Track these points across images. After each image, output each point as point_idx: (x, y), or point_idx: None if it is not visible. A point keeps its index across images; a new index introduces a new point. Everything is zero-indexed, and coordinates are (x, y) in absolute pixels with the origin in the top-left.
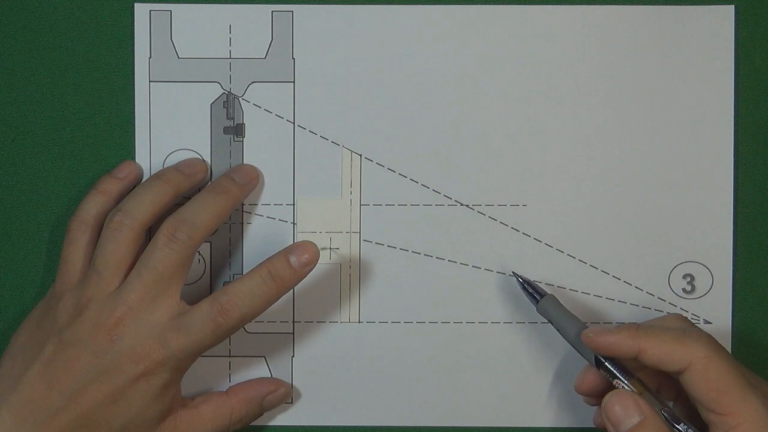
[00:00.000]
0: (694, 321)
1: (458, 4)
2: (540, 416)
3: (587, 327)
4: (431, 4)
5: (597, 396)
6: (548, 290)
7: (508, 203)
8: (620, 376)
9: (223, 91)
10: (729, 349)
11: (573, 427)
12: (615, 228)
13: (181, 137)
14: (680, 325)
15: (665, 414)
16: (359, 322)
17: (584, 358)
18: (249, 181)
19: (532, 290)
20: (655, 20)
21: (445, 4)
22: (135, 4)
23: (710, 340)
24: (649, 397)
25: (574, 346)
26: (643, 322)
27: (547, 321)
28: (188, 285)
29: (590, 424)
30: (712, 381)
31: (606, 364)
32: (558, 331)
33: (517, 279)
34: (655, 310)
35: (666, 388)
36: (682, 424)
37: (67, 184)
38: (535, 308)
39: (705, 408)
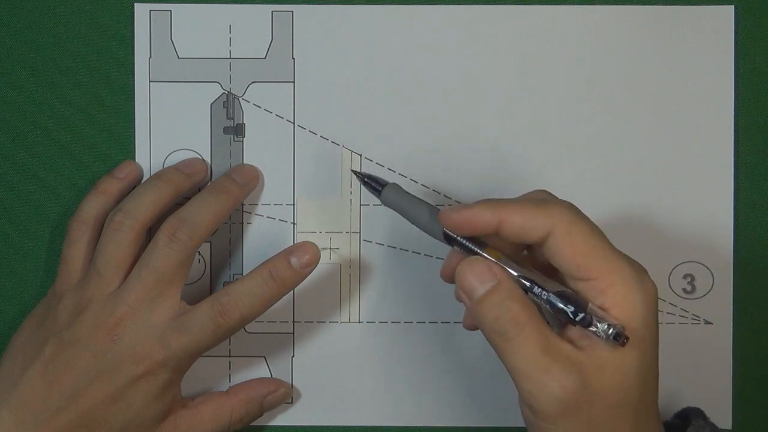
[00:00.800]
0: (694, 321)
1: (458, 4)
2: None
3: (438, 209)
4: (431, 4)
5: None
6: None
7: None
8: (474, 247)
9: (223, 91)
10: (730, 349)
11: None
12: (615, 228)
13: (181, 137)
14: (542, 197)
15: (521, 279)
16: (359, 322)
17: (437, 239)
18: (249, 181)
19: (373, 182)
20: (655, 20)
21: (445, 4)
22: (135, 4)
23: (572, 207)
24: (506, 262)
25: (425, 231)
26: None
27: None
28: (188, 285)
29: None
30: (576, 246)
31: (458, 238)
32: (406, 218)
33: (356, 175)
34: None
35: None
36: (536, 287)
37: (67, 184)
38: (380, 199)
39: (572, 276)
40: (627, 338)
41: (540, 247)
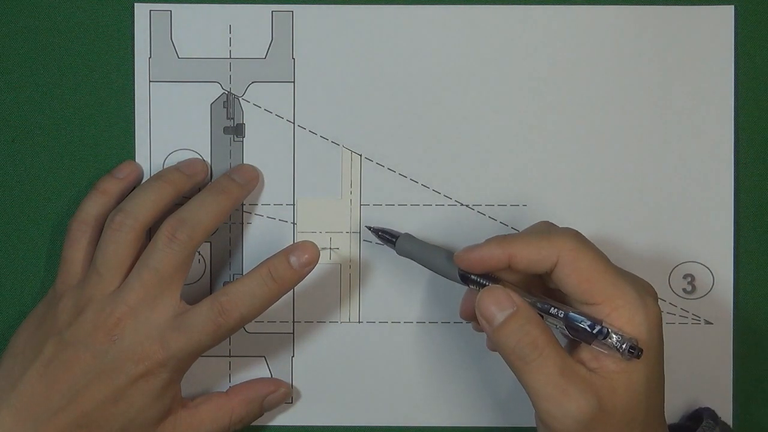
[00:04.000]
0: (694, 321)
1: (458, 4)
2: None
3: (452, 252)
4: (431, 4)
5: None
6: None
7: (508, 203)
8: (488, 283)
9: (223, 91)
10: (730, 349)
11: None
12: (615, 228)
13: (181, 137)
14: (546, 228)
15: (537, 304)
16: (359, 322)
17: (454, 281)
18: (249, 181)
19: (387, 235)
20: (655, 20)
21: (445, 4)
22: (135, 4)
23: (576, 234)
24: (520, 291)
25: (441, 274)
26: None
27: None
28: (188, 285)
29: None
30: (582, 271)
31: (473, 277)
32: (422, 264)
33: (371, 230)
34: None
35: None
36: (552, 308)
37: (67, 184)
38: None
39: (579, 301)
40: (641, 350)
41: (548, 276)
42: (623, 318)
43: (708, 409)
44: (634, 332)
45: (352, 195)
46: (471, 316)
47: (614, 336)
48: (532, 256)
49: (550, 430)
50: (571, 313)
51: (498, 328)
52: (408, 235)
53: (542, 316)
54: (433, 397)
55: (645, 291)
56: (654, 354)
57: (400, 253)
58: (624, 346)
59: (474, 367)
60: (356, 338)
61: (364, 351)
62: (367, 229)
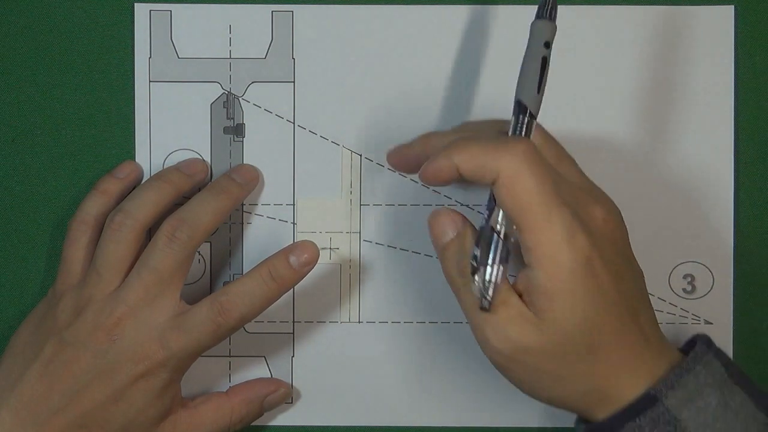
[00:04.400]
0: (694, 321)
1: (458, 4)
2: (539, 416)
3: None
4: (431, 4)
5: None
6: None
7: None
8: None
9: (223, 91)
10: (730, 349)
11: (571, 427)
12: None
13: (181, 137)
14: (498, 133)
15: (491, 233)
16: (359, 322)
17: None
18: (249, 181)
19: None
20: (656, 20)
21: (446, 4)
22: (135, 4)
23: (525, 150)
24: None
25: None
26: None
27: None
28: (188, 285)
29: None
30: (516, 197)
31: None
32: None
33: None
34: (656, 310)
35: None
36: (492, 246)
37: (67, 184)
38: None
39: (513, 225)
40: (489, 303)
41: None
42: (544, 256)
43: (703, 336)
44: (552, 270)
45: (352, 195)
46: (401, 166)
47: (476, 280)
48: (476, 171)
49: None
50: (481, 236)
51: (440, 250)
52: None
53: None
54: (433, 397)
55: (581, 224)
56: (584, 287)
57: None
58: (479, 295)
59: (474, 367)
60: (356, 338)
61: (364, 351)
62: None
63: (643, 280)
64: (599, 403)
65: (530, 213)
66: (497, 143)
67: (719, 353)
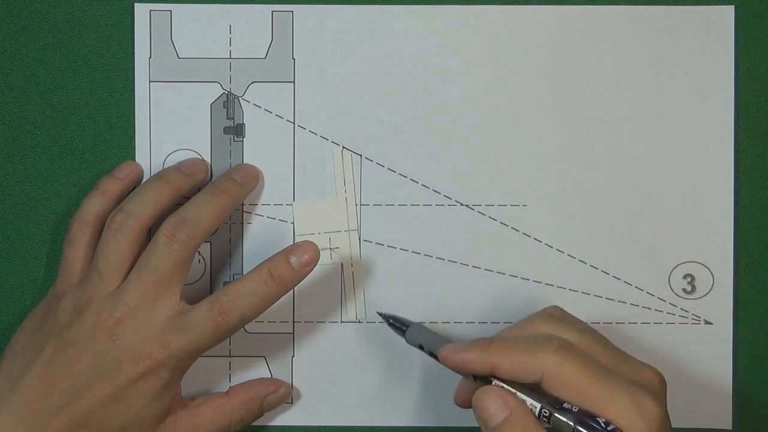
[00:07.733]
0: (694, 321)
1: (458, 4)
2: None
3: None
4: (431, 4)
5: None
6: (549, 290)
7: (508, 203)
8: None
9: (223, 91)
10: (730, 350)
11: None
12: (615, 228)
13: (181, 137)
14: (532, 336)
15: (539, 406)
16: (359, 322)
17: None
18: (249, 181)
19: (398, 323)
20: (655, 20)
21: (446, 4)
22: (135, 4)
23: (560, 346)
24: (524, 390)
25: (449, 367)
26: (505, 330)
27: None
28: (188, 285)
29: None
30: (571, 385)
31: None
32: (431, 356)
33: (382, 316)
34: (656, 310)
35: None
36: (566, 402)
37: (67, 184)
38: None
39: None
40: None
41: (539, 384)
42: (625, 428)
43: None
44: None
45: (352, 195)
46: (464, 404)
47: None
48: (517, 371)
49: None
50: (585, 409)
51: (493, 430)
52: (418, 325)
53: (548, 413)
54: (434, 397)
55: (642, 390)
56: None
57: (409, 341)
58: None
59: None
60: (356, 338)
61: (364, 351)
62: (378, 315)
63: None
64: None
65: (590, 395)
66: (534, 342)
67: None
